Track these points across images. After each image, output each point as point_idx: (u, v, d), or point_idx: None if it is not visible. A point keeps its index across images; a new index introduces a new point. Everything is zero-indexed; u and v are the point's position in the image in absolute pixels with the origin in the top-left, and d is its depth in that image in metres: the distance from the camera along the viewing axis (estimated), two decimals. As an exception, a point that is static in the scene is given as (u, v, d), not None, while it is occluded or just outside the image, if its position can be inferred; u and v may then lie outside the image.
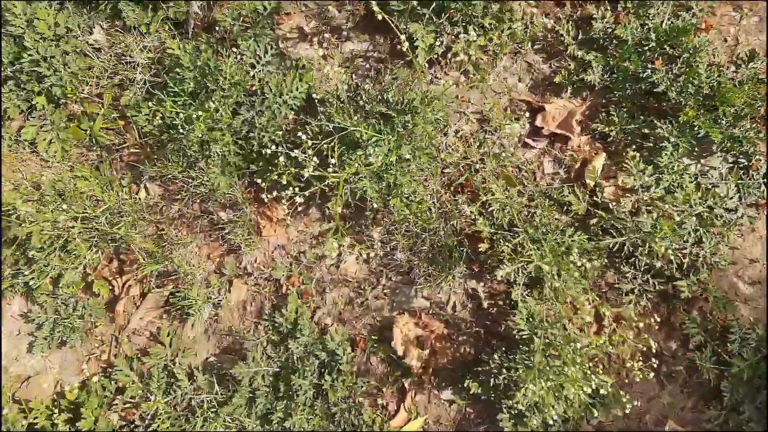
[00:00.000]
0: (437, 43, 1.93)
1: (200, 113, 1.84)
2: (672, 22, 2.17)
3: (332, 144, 1.76)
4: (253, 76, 2.15)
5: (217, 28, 2.27)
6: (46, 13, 2.15)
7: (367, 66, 2.27)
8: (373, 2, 1.46)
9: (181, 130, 1.95)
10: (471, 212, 1.76)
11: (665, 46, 2.13)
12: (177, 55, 2.01)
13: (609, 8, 2.19)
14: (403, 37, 1.39)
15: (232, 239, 2.10)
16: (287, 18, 2.33)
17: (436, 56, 2.18)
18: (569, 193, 2.06)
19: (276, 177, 1.51)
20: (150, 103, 2.06)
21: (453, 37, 2.18)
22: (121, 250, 2.15)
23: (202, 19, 2.29)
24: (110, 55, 2.24)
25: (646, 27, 2.16)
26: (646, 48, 2.13)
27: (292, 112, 2.12)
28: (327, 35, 2.29)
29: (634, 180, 2.02)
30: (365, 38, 2.29)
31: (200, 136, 1.92)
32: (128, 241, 2.06)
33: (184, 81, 1.98)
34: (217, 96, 2.00)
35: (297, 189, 1.65)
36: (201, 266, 2.10)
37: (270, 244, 2.15)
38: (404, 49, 1.39)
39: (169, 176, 2.12)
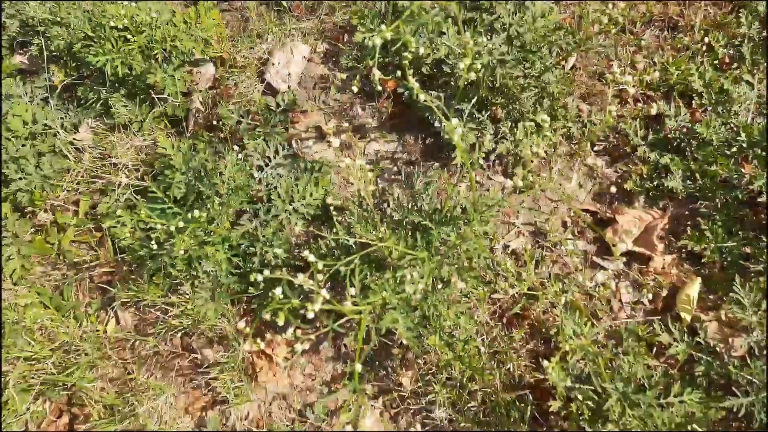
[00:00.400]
0: (484, 142, 1.58)
1: (187, 224, 1.44)
2: (759, 122, 1.82)
3: (351, 265, 1.33)
4: (260, 180, 1.79)
5: (221, 127, 1.96)
6: (24, 108, 1.86)
7: (395, 169, 1.91)
8: (411, 86, 1.11)
9: (165, 245, 1.55)
10: (548, 365, 1.27)
11: (756, 148, 1.76)
12: (169, 155, 1.67)
13: (682, 104, 1.86)
14: (454, 122, 1.02)
15: (219, 387, 1.61)
16: (303, 116, 2.03)
17: (479, 158, 1.82)
18: (662, 330, 1.58)
19: (269, 316, 1.07)
20: (133, 212, 1.68)
21: (497, 136, 1.84)
22: (74, 400, 1.65)
23: (205, 117, 1.99)
24: (92, 156, 1.91)
25: (730, 125, 1.81)
26: (734, 149, 1.77)
27: (304, 223, 1.72)
28: (349, 134, 1.97)
29: (745, 314, 1.54)
30: (393, 138, 1.96)
31: (185, 252, 1.51)
32: (82, 390, 1.58)
33: (173, 185, 1.62)
34: (212, 203, 1.63)
35: (300, 330, 1.18)
36: (175, 424, 1.59)
37: (267, 392, 1.65)
38: (454, 138, 1.01)
39: (146, 302, 1.69)
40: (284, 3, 2.18)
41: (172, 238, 1.52)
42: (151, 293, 1.65)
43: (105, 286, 1.81)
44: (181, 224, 1.31)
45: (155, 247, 1.50)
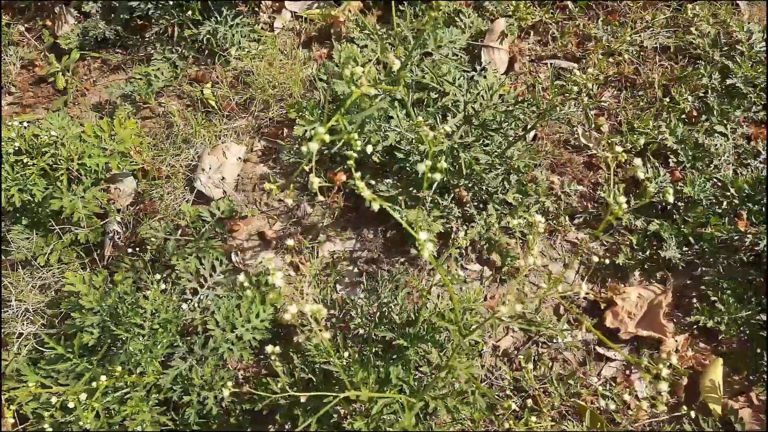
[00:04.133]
0: (458, 239, 1.43)
1: (99, 384, 1.19)
2: (742, 174, 1.76)
3: (307, 414, 1.10)
4: (193, 306, 1.57)
5: (146, 249, 1.76)
6: None
7: (356, 271, 1.73)
8: (361, 191, 0.95)
9: (75, 412, 1.29)
10: None
11: (748, 203, 1.68)
12: (78, 292, 1.44)
13: (659, 165, 1.79)
14: (423, 236, 0.85)
15: None
16: (243, 223, 1.86)
17: (454, 255, 1.67)
18: (693, 429, 1.39)
19: None
20: (30, 384, 1.41)
21: (465, 220, 1.70)
22: None
23: (126, 239, 1.79)
24: (-12, 302, 1.66)
25: (714, 181, 1.74)
26: (723, 207, 1.68)
27: (251, 353, 1.50)
28: (298, 237, 1.79)
29: (782, 395, 1.38)
30: (348, 235, 1.80)
31: (97, 419, 1.25)
32: None
33: (80, 332, 1.38)
34: (137, 347, 1.39)
35: None
36: None
37: None
38: (424, 254, 0.84)
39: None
40: (212, 103, 2.07)
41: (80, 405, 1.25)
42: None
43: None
44: (83, 395, 1.07)
45: (58, 416, 1.24)
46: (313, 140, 0.79)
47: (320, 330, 0.92)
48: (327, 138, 0.84)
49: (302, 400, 1.25)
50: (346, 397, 1.38)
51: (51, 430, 1.21)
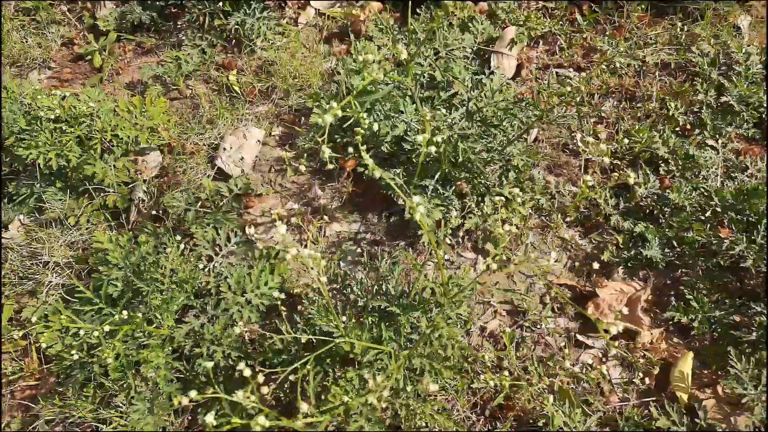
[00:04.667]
0: (450, 219, 1.57)
1: (120, 326, 1.34)
2: (729, 185, 1.87)
3: (304, 371, 1.23)
4: (209, 271, 1.72)
5: (167, 217, 1.91)
6: (-54, 206, 1.79)
7: (358, 251, 1.87)
8: (366, 162, 1.09)
9: (95, 352, 1.43)
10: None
11: (730, 212, 1.79)
12: (105, 249, 1.59)
13: (650, 172, 1.91)
14: (416, 199, 0.99)
15: None
16: (258, 200, 2.00)
17: (446, 235, 1.80)
18: (659, 414, 1.50)
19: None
20: (63, 316, 1.56)
21: (464, 211, 1.83)
22: None
23: (149, 207, 1.94)
24: (21, 256, 1.82)
25: (700, 190, 1.85)
26: (707, 215, 1.80)
27: (258, 316, 1.63)
28: (308, 217, 1.93)
29: (745, 389, 1.49)
30: (354, 218, 1.94)
31: (116, 358, 1.40)
32: None
33: (105, 283, 1.53)
34: (153, 300, 1.54)
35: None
36: None
37: None
38: (416, 216, 0.97)
39: (74, 419, 1.53)
40: (236, 88, 2.22)
41: (105, 342, 1.40)
42: (79, 408, 1.50)
43: (28, 403, 1.65)
44: (108, 328, 1.21)
45: (81, 354, 1.38)
46: (328, 113, 0.92)
47: (318, 276, 1.04)
48: (339, 113, 0.97)
49: (302, 340, 1.38)
50: (342, 359, 1.52)
51: (77, 356, 1.35)
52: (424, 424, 1.44)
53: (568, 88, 1.49)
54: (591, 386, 1.61)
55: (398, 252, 1.75)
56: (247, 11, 2.32)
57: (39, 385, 1.67)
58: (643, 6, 2.32)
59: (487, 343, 1.69)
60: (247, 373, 0.97)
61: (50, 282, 1.74)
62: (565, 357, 1.64)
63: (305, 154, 2.01)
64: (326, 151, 1.10)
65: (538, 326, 1.71)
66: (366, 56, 1.05)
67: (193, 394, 0.92)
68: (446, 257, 1.83)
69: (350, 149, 1.29)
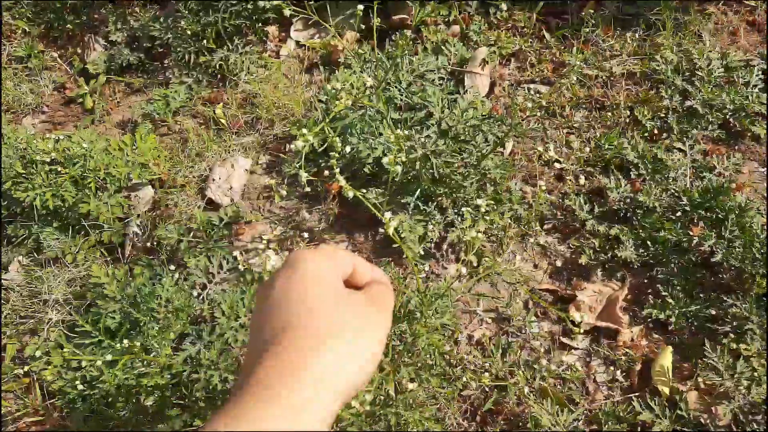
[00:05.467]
0: (427, 231, 1.64)
1: (119, 356, 1.39)
2: (697, 185, 1.95)
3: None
4: (203, 299, 1.78)
5: (160, 249, 1.97)
6: (-52, 251, 1.85)
7: (346, 270, 1.93)
8: (339, 182, 1.16)
9: (96, 384, 1.49)
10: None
11: (699, 210, 1.86)
12: (102, 284, 1.66)
13: (621, 176, 1.98)
14: (388, 215, 1.05)
15: None
16: (248, 227, 2.07)
17: (429, 247, 1.87)
18: (642, 408, 1.56)
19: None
20: (63, 351, 1.62)
21: (445, 225, 1.90)
22: None
23: (143, 240, 2.01)
24: (21, 296, 1.88)
25: (671, 191, 1.93)
26: (678, 214, 1.87)
27: (253, 339, 1.69)
28: (297, 240, 2.00)
29: (722, 380, 1.55)
30: (342, 238, 2.01)
31: (117, 389, 1.45)
32: None
33: (104, 316, 1.59)
34: (152, 331, 1.59)
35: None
36: None
37: None
38: (389, 230, 1.03)
39: (79, 450, 1.58)
40: (223, 121, 2.30)
41: (106, 372, 1.46)
42: (84, 439, 1.55)
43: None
44: (109, 357, 1.27)
45: (84, 386, 1.43)
46: (299, 139, 1.00)
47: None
48: (311, 138, 1.05)
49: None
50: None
51: (81, 387, 1.40)
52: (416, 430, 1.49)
53: (529, 104, 1.57)
54: (576, 386, 1.66)
55: (384, 267, 1.81)
56: (230, 47, 2.41)
57: (43, 420, 1.71)
58: (607, 20, 2.42)
59: (475, 351, 1.74)
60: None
61: (50, 319, 1.80)
62: (550, 359, 1.70)
63: (285, 180, 2.08)
64: (303, 176, 1.17)
65: (523, 331, 1.77)
66: (335, 84, 1.12)
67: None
68: (430, 270, 1.89)
69: (328, 173, 1.36)
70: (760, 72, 2.13)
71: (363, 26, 2.45)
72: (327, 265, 0.64)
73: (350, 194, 1.11)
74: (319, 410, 0.56)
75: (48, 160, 1.85)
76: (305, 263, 0.63)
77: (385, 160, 1.12)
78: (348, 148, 1.27)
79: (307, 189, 1.17)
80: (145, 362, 1.56)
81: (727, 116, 2.10)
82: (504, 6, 2.44)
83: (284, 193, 1.36)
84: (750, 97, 2.07)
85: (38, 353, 1.70)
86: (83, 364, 1.48)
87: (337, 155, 1.28)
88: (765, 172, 2.04)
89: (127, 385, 1.51)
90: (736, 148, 2.08)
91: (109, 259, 1.96)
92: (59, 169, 1.88)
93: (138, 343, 1.42)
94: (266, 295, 0.63)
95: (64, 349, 1.34)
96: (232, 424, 0.52)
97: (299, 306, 0.60)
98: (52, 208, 1.85)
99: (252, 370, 0.57)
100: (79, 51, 2.63)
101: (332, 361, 0.57)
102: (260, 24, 2.53)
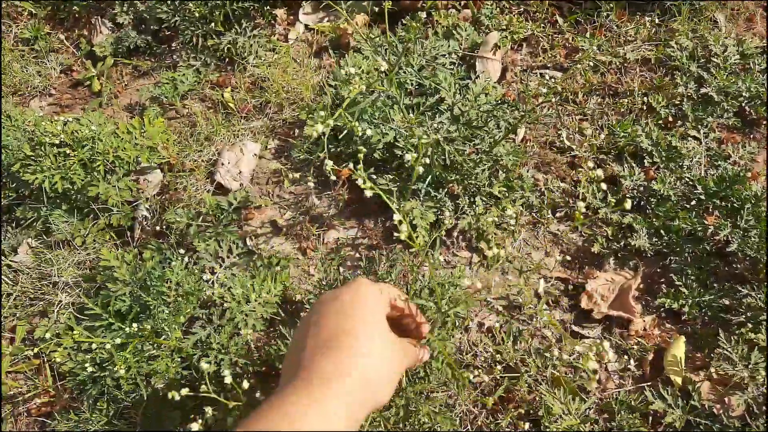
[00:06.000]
0: (444, 220, 1.61)
1: (129, 339, 1.39)
2: (712, 174, 1.92)
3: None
4: (212, 283, 1.76)
5: (170, 233, 1.96)
6: (-43, 233, 1.84)
7: (357, 255, 1.92)
8: (361, 178, 1.13)
9: (107, 366, 1.48)
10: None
11: (714, 199, 1.83)
12: (112, 267, 1.64)
13: (635, 164, 1.95)
14: (397, 217, 1.01)
15: None
16: (257, 212, 2.05)
17: (440, 235, 1.85)
18: (654, 397, 1.54)
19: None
20: (73, 333, 1.61)
21: (457, 212, 1.88)
22: None
23: (152, 224, 1.99)
24: (31, 278, 1.87)
25: (685, 180, 1.90)
26: (693, 203, 1.84)
27: (263, 323, 1.68)
28: (307, 226, 1.98)
29: (736, 370, 1.53)
30: (352, 224, 1.99)
31: (127, 370, 1.44)
32: None
33: (113, 299, 1.58)
34: (160, 313, 1.58)
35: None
36: None
37: None
38: (402, 236, 1.01)
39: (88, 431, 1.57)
40: (231, 105, 2.28)
41: (116, 356, 1.45)
42: (93, 422, 1.54)
43: (44, 419, 1.69)
44: (119, 340, 1.26)
45: (94, 368, 1.43)
46: (319, 124, 0.97)
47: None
48: (331, 122, 1.02)
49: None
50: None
51: (91, 369, 1.40)
52: (426, 422, 1.48)
53: (544, 90, 1.54)
54: (587, 374, 1.65)
55: (395, 255, 1.80)
56: (239, 30, 2.38)
57: (54, 401, 1.71)
58: (621, 5, 2.38)
59: (486, 338, 1.73)
60: (228, 380, 1.02)
61: (60, 301, 1.79)
62: (562, 348, 1.68)
63: (300, 166, 2.06)
64: (329, 164, 1.14)
65: (534, 319, 1.75)
66: (349, 69, 1.10)
67: (184, 391, 0.97)
68: (441, 258, 1.87)
69: (350, 161, 1.34)
70: (777, 59, 2.09)
71: (375, 8, 2.41)
72: (379, 299, 0.83)
73: (368, 193, 1.07)
74: (355, 413, 0.71)
75: (56, 142, 1.83)
76: (366, 288, 0.83)
77: (407, 157, 1.09)
78: (369, 132, 1.25)
79: (333, 178, 1.15)
80: (155, 345, 1.55)
81: (743, 104, 2.06)
82: (517, -10, 2.39)
83: (298, 178, 1.34)
84: (766, 85, 2.03)
85: (48, 335, 1.70)
86: (93, 346, 1.47)
87: (360, 145, 1.25)
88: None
89: (138, 368, 1.51)
90: (752, 136, 2.05)
91: (118, 242, 1.95)
92: (68, 151, 1.86)
93: (148, 327, 1.42)
94: (329, 305, 0.82)
95: (74, 332, 1.33)
96: (276, 420, 0.66)
97: (348, 322, 0.79)
98: (60, 191, 1.83)
99: (308, 365, 0.74)
100: (85, 33, 2.60)
101: (365, 378, 0.74)
102: (268, 7, 2.50)
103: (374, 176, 1.92)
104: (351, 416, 0.70)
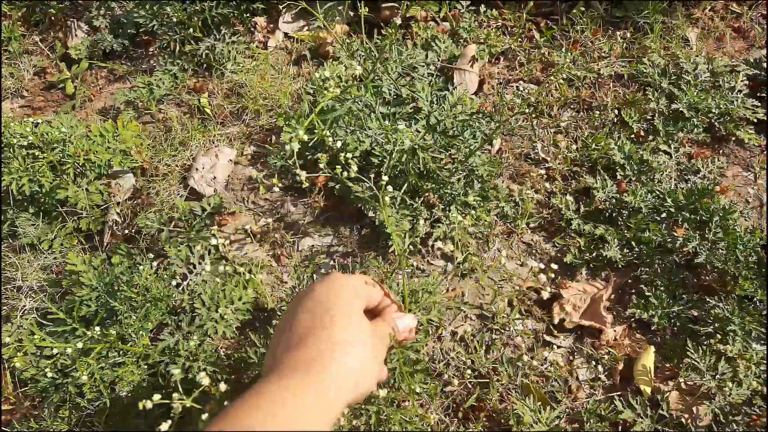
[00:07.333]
0: (418, 226, 1.61)
1: (93, 345, 1.35)
2: (682, 187, 1.96)
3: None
4: (182, 289, 1.73)
5: (140, 238, 1.92)
6: None
7: (331, 263, 1.90)
8: (339, 175, 1.13)
9: (70, 372, 1.44)
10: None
11: (684, 212, 1.86)
12: (79, 271, 1.60)
13: (607, 177, 1.98)
14: (387, 199, 1.02)
15: None
16: (231, 218, 2.03)
17: (414, 244, 1.85)
18: (623, 406, 1.55)
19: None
20: (35, 338, 1.57)
21: (432, 221, 1.88)
22: None
23: (123, 228, 1.95)
24: (-6, 281, 1.81)
25: (656, 193, 1.93)
26: (663, 216, 1.87)
27: (233, 331, 1.65)
28: (281, 232, 1.96)
29: (703, 380, 1.55)
30: (327, 232, 1.97)
31: (90, 377, 1.40)
32: None
33: (77, 304, 1.54)
34: (128, 320, 1.55)
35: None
36: None
37: None
38: (397, 250, 1.00)
39: (50, 441, 1.52)
40: (208, 111, 2.26)
41: (80, 361, 1.41)
42: (54, 429, 1.49)
43: (3, 428, 1.63)
44: (80, 345, 1.22)
45: (56, 375, 1.38)
46: (294, 141, 0.97)
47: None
48: (305, 137, 1.02)
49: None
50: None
51: (51, 375, 1.35)
52: (397, 430, 1.47)
53: (519, 101, 1.56)
54: (559, 384, 1.65)
55: (368, 262, 1.79)
56: (217, 36, 2.37)
57: (14, 409, 1.66)
58: (596, 22, 2.43)
59: (459, 347, 1.72)
60: (206, 381, 1.00)
61: (24, 306, 1.74)
62: (533, 357, 1.68)
63: (276, 173, 2.04)
64: (302, 175, 1.14)
65: (507, 329, 1.75)
66: (323, 73, 1.09)
67: (156, 397, 0.95)
68: (417, 265, 1.87)
69: (321, 165, 1.33)
70: (745, 78, 2.15)
71: (351, 14, 2.43)
72: (355, 292, 0.84)
73: (350, 184, 1.07)
74: (332, 402, 0.71)
75: (25, 144, 1.79)
76: (340, 281, 0.84)
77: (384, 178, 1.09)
78: (339, 143, 1.24)
79: (305, 185, 1.14)
80: (120, 352, 1.51)
81: (713, 120, 2.11)
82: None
83: (272, 184, 1.33)
84: (735, 102, 2.09)
85: (9, 340, 1.64)
86: (55, 351, 1.42)
87: (327, 152, 1.24)
88: (749, 176, 2.05)
89: (102, 375, 1.46)
90: (721, 152, 2.10)
91: (86, 246, 1.91)
92: (37, 153, 1.82)
93: (113, 332, 1.38)
94: (305, 301, 0.83)
95: (36, 336, 1.29)
96: (264, 405, 0.66)
97: (324, 315, 0.79)
98: (28, 194, 1.79)
99: (283, 358, 0.74)
100: (61, 36, 2.57)
101: (343, 365, 0.75)
102: (248, 14, 2.49)
103: (350, 184, 1.91)
104: (330, 404, 0.70)
